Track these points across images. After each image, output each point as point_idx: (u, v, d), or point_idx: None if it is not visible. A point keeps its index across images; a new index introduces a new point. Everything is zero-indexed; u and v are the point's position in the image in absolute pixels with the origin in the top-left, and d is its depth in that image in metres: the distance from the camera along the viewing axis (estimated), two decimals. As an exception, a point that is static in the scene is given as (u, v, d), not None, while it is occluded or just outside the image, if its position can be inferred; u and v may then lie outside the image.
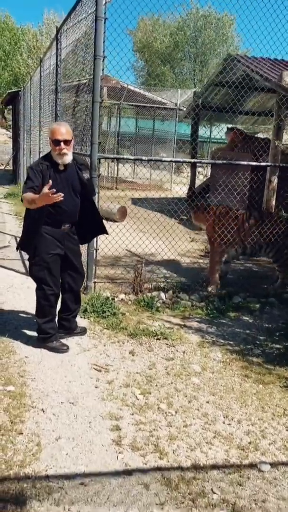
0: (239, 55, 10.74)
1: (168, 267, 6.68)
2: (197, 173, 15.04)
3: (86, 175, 3.88)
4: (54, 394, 3.17)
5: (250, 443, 2.85)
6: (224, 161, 6.06)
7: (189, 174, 18.48)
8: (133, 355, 3.87)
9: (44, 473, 2.40)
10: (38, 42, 28.58)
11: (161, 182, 16.15)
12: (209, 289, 5.62)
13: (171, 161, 5.05)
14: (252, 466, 2.63)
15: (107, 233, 4.20)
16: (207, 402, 3.28)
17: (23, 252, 7.24)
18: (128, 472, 2.45)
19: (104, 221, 4.21)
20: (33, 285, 5.46)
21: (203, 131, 18.87)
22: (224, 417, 3.11)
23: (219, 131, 14.23)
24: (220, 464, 2.62)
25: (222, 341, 4.38)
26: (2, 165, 20.14)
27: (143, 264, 5.63)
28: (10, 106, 20.87)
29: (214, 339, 4.39)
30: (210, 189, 12.31)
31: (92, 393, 3.22)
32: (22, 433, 2.69)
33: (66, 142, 3.61)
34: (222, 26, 25.22)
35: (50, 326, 3.83)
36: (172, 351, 4.02)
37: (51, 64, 8.05)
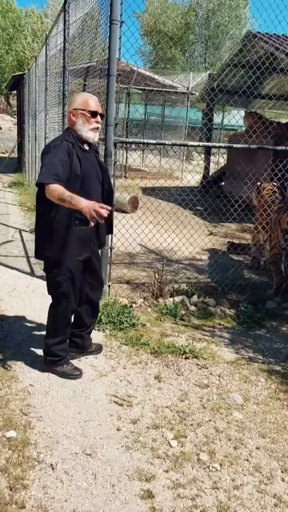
0: (260, 32, 9.89)
1: (189, 265, 6.00)
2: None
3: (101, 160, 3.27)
4: (66, 441, 2.50)
5: None
6: (249, 146, 5.31)
7: (199, 162, 17.76)
8: (159, 381, 3.20)
9: None
10: (43, 25, 27.68)
11: (171, 170, 15.41)
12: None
13: (198, 145, 4.35)
14: None
15: (112, 232, 3.61)
16: (257, 448, 2.61)
17: (27, 248, 6.69)
18: None
19: (116, 213, 3.56)
20: (39, 288, 4.83)
21: (214, 117, 18.02)
22: (282, 471, 2.44)
23: (233, 116, 13.44)
24: None
25: (261, 358, 3.70)
26: (7, 152, 19.42)
27: (164, 265, 4.96)
28: (15, 92, 20.11)
29: (252, 356, 3.71)
30: (225, 177, 11.60)
31: (113, 439, 2.56)
32: (24, 507, 2.03)
33: (102, 116, 3.07)
34: (235, 8, 24.14)
35: (61, 347, 3.15)
36: (205, 375, 3.35)
37: (57, 41, 7.31)
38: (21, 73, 16.30)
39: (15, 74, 16.78)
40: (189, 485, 2.26)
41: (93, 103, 2.99)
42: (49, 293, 3.11)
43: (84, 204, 2.65)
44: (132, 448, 2.49)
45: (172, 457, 2.45)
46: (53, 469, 2.28)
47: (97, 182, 3.07)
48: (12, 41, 27.71)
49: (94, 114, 2.98)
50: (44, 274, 3.17)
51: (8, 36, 27.70)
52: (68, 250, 2.93)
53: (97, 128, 3.01)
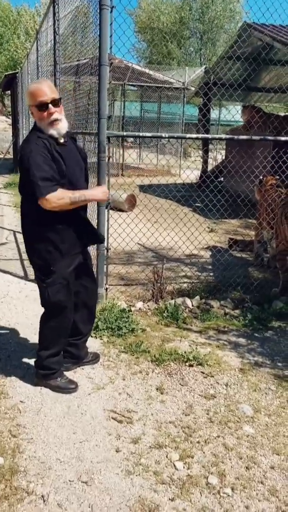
0: (256, 23, 9.63)
1: (189, 264, 5.74)
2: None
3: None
4: (60, 466, 2.25)
5: None
6: (251, 136, 5.02)
7: (197, 159, 17.48)
8: (162, 393, 2.94)
9: None
10: (36, 24, 27.35)
11: (168, 167, 15.15)
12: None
13: (196, 138, 4.10)
14: None
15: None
16: (272, 467, 2.36)
17: (22, 250, 6.43)
18: None
19: (112, 211, 3.27)
20: (32, 293, 4.58)
21: (212, 113, 17.75)
22: (300, 495, 2.20)
23: (234, 111, 13.17)
24: None
25: (270, 363, 3.45)
26: (2, 153, 19.13)
27: (163, 265, 4.70)
28: (10, 92, 19.83)
29: (260, 361, 3.46)
30: (225, 172, 11.33)
31: (112, 462, 2.30)
32: None
33: (55, 103, 2.59)
34: (229, 2, 23.80)
35: (54, 360, 2.88)
36: (211, 384, 3.09)
37: (48, 35, 7.05)
38: (13, 72, 16.03)
39: (8, 73, 16.50)
40: (198, 515, 2.01)
41: (40, 91, 2.55)
42: (42, 305, 2.83)
43: (96, 195, 2.80)
44: (133, 472, 2.23)
45: (178, 481, 2.20)
46: (44, 501, 2.03)
47: (81, 172, 2.78)
48: (4, 40, 27.39)
49: (41, 106, 2.55)
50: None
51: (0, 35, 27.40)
52: (62, 256, 2.67)
53: (55, 120, 2.59)
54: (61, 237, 2.64)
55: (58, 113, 2.60)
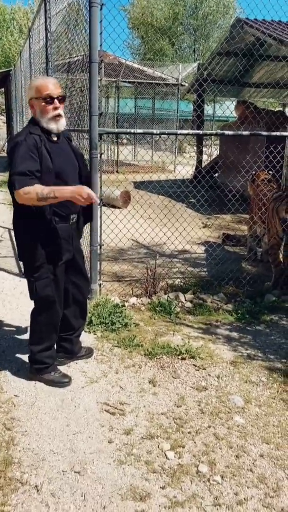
0: (249, 18, 9.64)
1: (182, 259, 5.79)
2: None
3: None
4: (53, 457, 2.30)
5: None
6: (242, 132, 5.06)
7: (192, 155, 17.52)
8: (154, 386, 2.99)
9: None
10: (29, 21, 27.25)
11: (163, 163, 15.17)
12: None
13: (188, 133, 4.14)
14: None
15: (91, 220, 3.33)
16: (261, 455, 2.42)
17: (16, 249, 6.49)
18: None
19: (106, 208, 3.30)
20: (27, 289, 4.61)
21: (206, 109, 17.75)
22: (289, 481, 2.25)
23: (227, 107, 13.19)
24: None
25: (261, 356, 3.51)
26: (-4, 151, 19.09)
27: (156, 260, 4.74)
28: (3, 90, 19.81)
29: (252, 354, 3.52)
30: (218, 168, 11.37)
31: (105, 452, 2.35)
32: (5, 538, 1.84)
33: (61, 100, 2.66)
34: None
35: (47, 354, 2.93)
36: (203, 377, 3.15)
37: (40, 33, 7.06)
38: (7, 69, 15.99)
39: (1, 70, 16.46)
40: (188, 502, 2.06)
41: (47, 86, 2.60)
42: (32, 299, 2.88)
43: (69, 193, 2.52)
44: (125, 462, 2.28)
45: (169, 470, 2.25)
46: (38, 491, 2.07)
47: (74, 172, 2.80)
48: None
49: (48, 100, 2.60)
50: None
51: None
52: (49, 251, 2.70)
53: (58, 116, 2.65)
54: (49, 234, 2.67)
55: (61, 110, 2.67)
